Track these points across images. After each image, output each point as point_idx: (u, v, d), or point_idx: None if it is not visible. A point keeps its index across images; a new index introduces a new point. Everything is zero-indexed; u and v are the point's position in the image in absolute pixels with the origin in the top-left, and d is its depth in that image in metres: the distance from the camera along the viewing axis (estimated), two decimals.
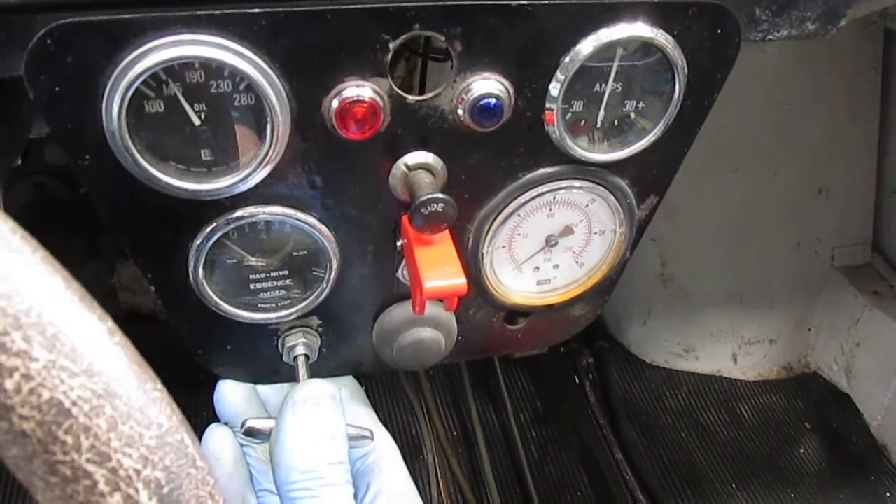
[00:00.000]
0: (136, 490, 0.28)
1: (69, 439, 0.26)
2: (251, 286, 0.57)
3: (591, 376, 1.54)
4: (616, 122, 0.52)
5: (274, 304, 0.58)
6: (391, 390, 1.48)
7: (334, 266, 0.56)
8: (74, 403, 0.26)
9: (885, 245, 1.54)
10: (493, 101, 0.46)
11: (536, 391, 1.52)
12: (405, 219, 0.50)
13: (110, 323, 0.29)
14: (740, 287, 1.53)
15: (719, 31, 0.48)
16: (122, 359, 0.28)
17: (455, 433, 1.42)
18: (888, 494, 1.39)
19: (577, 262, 0.60)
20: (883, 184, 1.49)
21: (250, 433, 0.59)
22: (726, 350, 1.59)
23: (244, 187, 0.47)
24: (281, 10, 0.39)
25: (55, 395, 0.26)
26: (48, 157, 1.18)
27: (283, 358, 0.62)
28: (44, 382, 0.25)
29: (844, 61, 1.34)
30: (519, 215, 0.55)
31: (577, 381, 1.53)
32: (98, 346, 0.27)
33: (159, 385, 0.30)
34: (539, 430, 1.45)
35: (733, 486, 1.38)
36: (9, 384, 0.25)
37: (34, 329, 0.25)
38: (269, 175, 0.46)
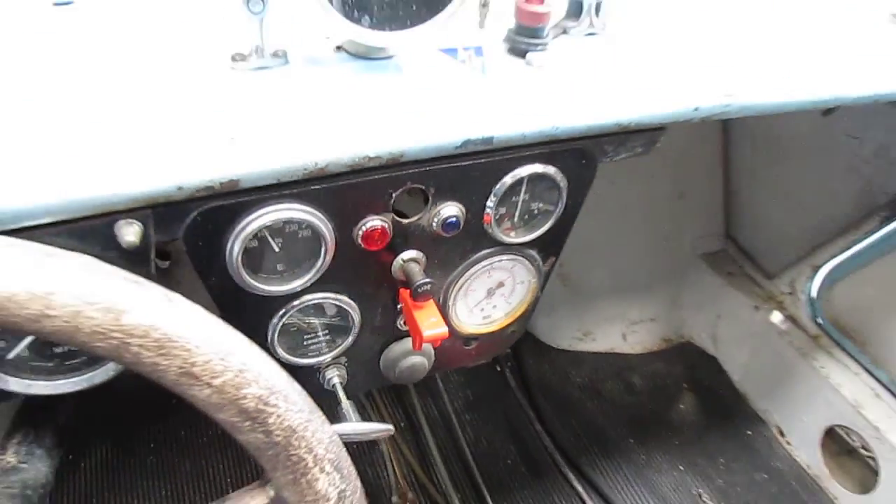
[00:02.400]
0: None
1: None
2: (304, 342, 0.81)
3: (509, 364, 1.82)
4: (527, 218, 0.79)
5: (317, 352, 0.82)
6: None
7: (356, 324, 0.81)
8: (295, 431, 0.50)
9: (734, 234, 1.89)
10: (454, 218, 0.71)
11: (466, 381, 1.79)
12: (403, 291, 0.75)
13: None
14: (623, 278, 1.84)
15: (584, 161, 0.76)
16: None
17: (403, 424, 1.67)
18: (749, 433, 1.74)
19: (507, 303, 0.87)
20: (728, 186, 1.83)
21: None
22: (617, 331, 1.91)
23: (305, 286, 0.72)
24: (331, 185, 0.64)
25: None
26: None
27: (324, 386, 0.87)
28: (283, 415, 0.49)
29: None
30: (470, 279, 0.81)
31: (498, 369, 1.81)
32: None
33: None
34: (472, 414, 1.72)
35: (631, 440, 1.70)
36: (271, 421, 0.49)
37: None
38: (320, 277, 0.71)
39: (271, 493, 0.53)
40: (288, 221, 0.65)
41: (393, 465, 1.57)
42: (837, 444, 1.62)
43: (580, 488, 1.57)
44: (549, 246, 0.84)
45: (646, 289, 1.89)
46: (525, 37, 0.75)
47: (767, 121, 1.53)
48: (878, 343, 1.57)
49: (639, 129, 0.74)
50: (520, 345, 1.83)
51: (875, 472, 1.52)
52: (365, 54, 0.73)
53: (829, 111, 0.93)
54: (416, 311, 0.73)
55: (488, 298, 0.85)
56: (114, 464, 1.51)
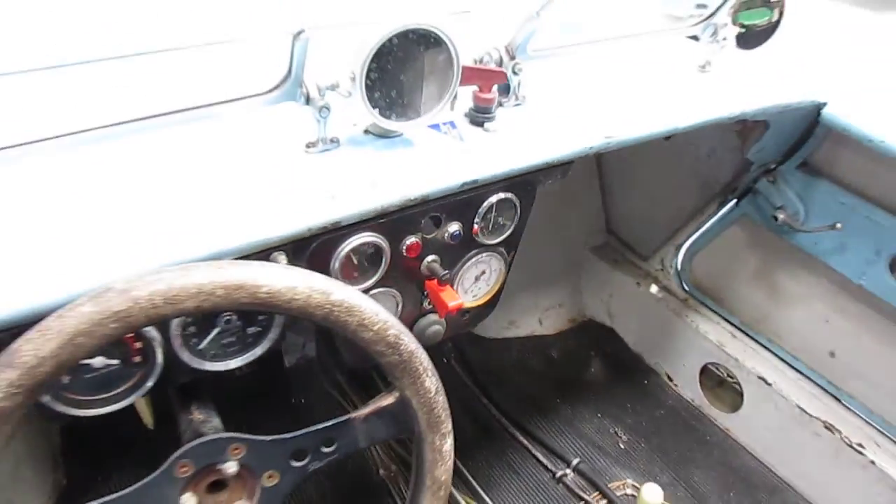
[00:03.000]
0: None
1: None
2: None
3: (453, 356, 2.22)
4: (495, 227, 1.21)
5: None
6: (320, 394, 2.07)
7: (400, 305, 1.17)
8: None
9: (614, 229, 2.38)
10: (458, 232, 1.12)
11: None
12: (429, 282, 1.14)
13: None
14: (534, 275, 2.28)
15: (529, 188, 1.18)
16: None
17: None
18: (645, 382, 2.22)
19: (487, 284, 1.28)
20: (604, 190, 2.32)
21: None
22: (534, 317, 2.36)
23: (372, 285, 1.09)
24: (388, 219, 1.03)
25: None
26: None
27: None
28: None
29: None
30: (465, 270, 1.21)
31: (445, 360, 2.21)
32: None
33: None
34: None
35: (558, 400, 2.13)
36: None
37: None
38: (380, 278, 1.10)
39: (397, 394, 0.91)
40: (364, 244, 1.04)
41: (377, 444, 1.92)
42: (711, 378, 2.12)
43: (526, 442, 1.99)
44: (510, 244, 1.26)
45: (552, 281, 2.35)
46: (481, 113, 1.17)
47: None
48: (729, 297, 2.08)
49: (559, 163, 1.18)
50: (460, 340, 2.23)
51: (740, 394, 2.02)
52: (384, 134, 1.12)
53: (668, 138, 1.39)
54: (441, 293, 1.12)
55: (475, 282, 1.25)
56: None
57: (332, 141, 1.08)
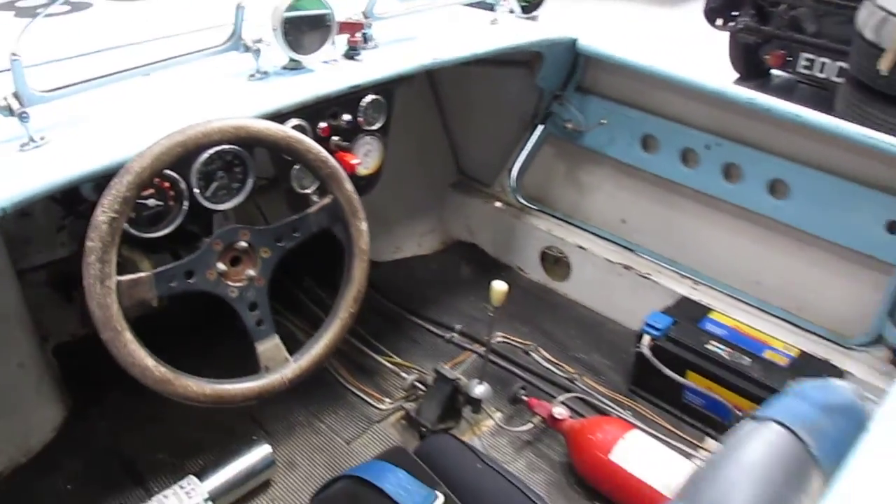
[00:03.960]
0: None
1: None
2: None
3: None
4: (373, 120, 1.90)
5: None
6: None
7: None
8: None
9: (462, 168, 3.12)
10: (350, 119, 1.80)
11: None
12: (337, 152, 1.81)
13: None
14: (410, 207, 2.97)
15: (389, 92, 1.89)
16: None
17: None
18: (503, 274, 2.94)
19: (372, 160, 1.96)
20: (450, 135, 3.06)
21: None
22: (414, 242, 3.03)
23: None
24: (307, 110, 1.69)
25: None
26: None
27: None
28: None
29: (422, 102, 2.88)
30: (356, 148, 1.90)
31: None
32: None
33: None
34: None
35: (441, 295, 2.82)
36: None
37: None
38: None
39: (331, 196, 1.57)
40: (296, 125, 1.69)
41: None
42: (547, 260, 2.87)
43: (421, 321, 2.66)
44: (384, 132, 1.94)
45: (423, 213, 3.05)
46: (352, 50, 1.86)
47: (460, 87, 2.80)
48: (551, 198, 2.84)
49: (405, 76, 1.89)
50: None
51: (569, 265, 2.78)
52: (296, 67, 1.79)
53: (467, 64, 2.08)
54: (344, 157, 1.75)
55: (365, 157, 1.91)
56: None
57: (264, 73, 1.74)
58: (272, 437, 2.16)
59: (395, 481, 1.51)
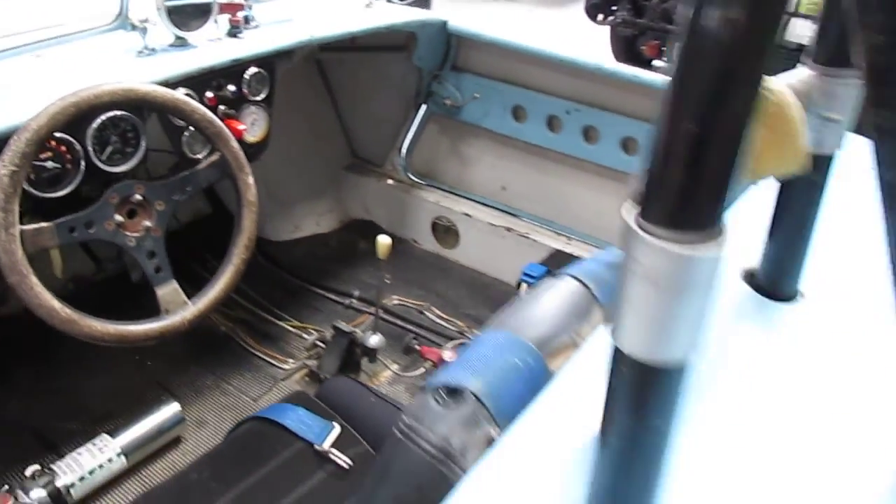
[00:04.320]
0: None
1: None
2: None
3: (259, 256, 3.02)
4: (259, 91, 2.08)
5: None
6: None
7: None
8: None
9: (355, 151, 3.31)
10: (235, 90, 1.97)
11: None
12: (225, 120, 1.98)
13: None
14: (309, 188, 3.15)
15: (270, 66, 2.07)
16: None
17: None
18: (400, 247, 3.15)
19: (259, 129, 2.14)
20: (343, 126, 3.26)
21: None
22: (313, 221, 3.21)
23: None
24: (193, 80, 1.86)
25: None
26: None
27: None
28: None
29: (314, 91, 3.07)
30: (244, 117, 2.08)
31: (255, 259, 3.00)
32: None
33: None
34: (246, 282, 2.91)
35: (339, 268, 3.01)
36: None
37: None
38: None
39: (218, 153, 1.74)
40: (186, 93, 1.86)
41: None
42: (438, 230, 3.09)
43: (320, 291, 2.84)
44: (269, 103, 2.12)
45: (321, 194, 3.23)
46: (234, 28, 2.04)
47: (348, 74, 3.00)
48: (438, 172, 3.07)
49: (283, 52, 2.07)
50: (260, 245, 3.04)
51: (457, 234, 3.01)
52: (181, 45, 1.95)
53: (350, 50, 2.28)
54: (232, 124, 1.94)
55: (252, 126, 2.08)
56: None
57: (152, 49, 1.90)
58: (182, 401, 2.29)
59: (295, 418, 1.68)
